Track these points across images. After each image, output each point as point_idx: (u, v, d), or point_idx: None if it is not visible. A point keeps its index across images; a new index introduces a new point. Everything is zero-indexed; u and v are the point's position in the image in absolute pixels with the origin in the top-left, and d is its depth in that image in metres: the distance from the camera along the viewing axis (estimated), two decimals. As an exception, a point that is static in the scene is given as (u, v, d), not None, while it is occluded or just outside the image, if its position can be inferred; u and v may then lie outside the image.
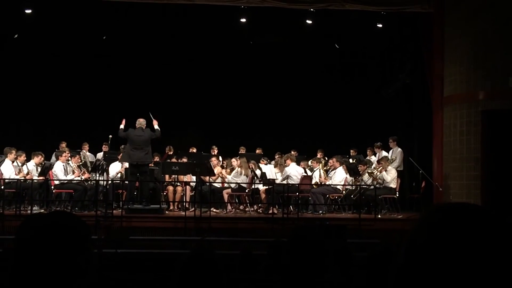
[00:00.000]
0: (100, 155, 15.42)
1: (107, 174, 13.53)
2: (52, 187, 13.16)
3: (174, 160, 14.79)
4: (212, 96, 17.93)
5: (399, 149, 14.61)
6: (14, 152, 13.16)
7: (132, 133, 12.77)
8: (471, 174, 13.36)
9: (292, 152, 15.41)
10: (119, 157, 13.92)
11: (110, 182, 13.21)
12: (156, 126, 12.98)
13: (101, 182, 13.11)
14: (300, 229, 3.18)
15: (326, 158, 15.27)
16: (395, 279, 1.14)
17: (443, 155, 14.22)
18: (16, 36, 16.36)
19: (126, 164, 13.45)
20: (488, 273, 1.07)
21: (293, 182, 13.55)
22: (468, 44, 13.64)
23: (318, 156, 15.58)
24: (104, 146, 15.53)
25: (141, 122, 12.97)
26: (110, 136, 14.61)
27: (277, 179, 13.90)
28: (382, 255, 3.81)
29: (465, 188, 13.45)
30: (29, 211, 12.10)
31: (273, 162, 15.14)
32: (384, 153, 14.76)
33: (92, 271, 1.82)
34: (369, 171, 13.87)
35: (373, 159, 15.02)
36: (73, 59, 17.13)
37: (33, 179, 12.92)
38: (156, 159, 14.37)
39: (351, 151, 16.12)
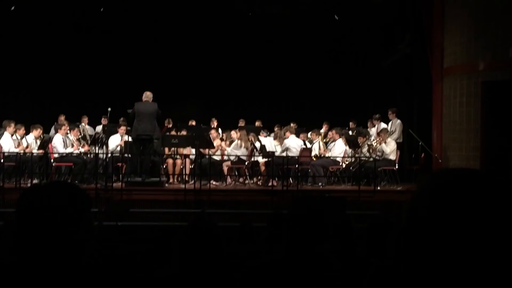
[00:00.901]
0: (99, 128, 15.42)
1: (107, 147, 13.54)
2: (52, 160, 13.17)
3: (173, 133, 14.80)
4: (211, 68, 17.88)
5: (399, 120, 14.60)
6: (13, 125, 13.14)
7: (139, 106, 12.73)
8: (471, 145, 13.37)
9: (292, 124, 15.40)
10: (119, 130, 13.91)
11: (109, 155, 13.21)
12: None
13: (101, 155, 13.13)
14: (299, 200, 3.19)
15: (327, 130, 15.31)
16: (397, 243, 1.15)
17: (443, 126, 14.21)
18: (13, 8, 16.22)
19: (126, 137, 13.45)
20: (488, 235, 1.07)
21: (293, 155, 13.57)
22: (469, 14, 13.53)
23: (324, 128, 15.59)
24: (103, 119, 15.52)
25: (147, 95, 12.91)
26: (109, 109, 14.57)
27: (276, 151, 13.92)
28: (381, 225, 3.83)
29: (465, 160, 13.47)
30: (29, 185, 12.12)
31: (272, 134, 15.15)
32: (383, 125, 14.76)
33: (93, 242, 1.83)
34: (369, 143, 13.89)
35: (373, 131, 15.03)
36: (72, 31, 17.07)
37: (32, 153, 12.93)
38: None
39: (351, 123, 16.13)
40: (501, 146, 13.01)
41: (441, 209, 1.10)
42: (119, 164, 13.39)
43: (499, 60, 13.01)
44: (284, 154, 13.63)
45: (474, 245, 1.07)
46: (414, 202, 1.16)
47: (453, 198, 1.11)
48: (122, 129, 13.87)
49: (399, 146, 14.15)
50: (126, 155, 13.26)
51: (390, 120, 14.72)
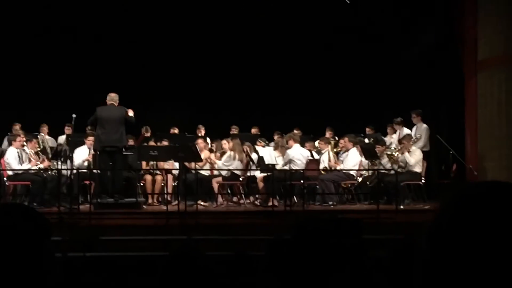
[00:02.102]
0: (62, 138, 15.40)
1: (71, 162, 13.51)
2: (5, 178, 13.15)
3: (152, 143, 14.79)
4: (196, 65, 17.91)
5: (424, 125, 14.63)
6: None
7: (101, 111, 12.71)
8: (513, 153, 13.41)
9: (295, 131, 15.40)
10: (86, 141, 13.90)
11: (75, 171, 13.18)
12: (131, 114, 12.90)
13: (64, 172, 13.10)
14: (304, 223, 3.20)
15: (337, 138, 15.31)
16: (418, 275, 1.16)
17: (478, 131, 14.23)
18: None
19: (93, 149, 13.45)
20: None
21: (297, 168, 13.57)
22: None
23: (327, 135, 15.60)
24: (66, 128, 15.50)
25: (112, 97, 12.91)
26: (74, 115, 14.56)
27: (277, 164, 13.92)
28: (405, 253, 3.83)
29: (505, 171, 13.47)
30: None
31: (272, 143, 15.16)
32: (406, 131, 14.79)
33: (55, 278, 1.83)
34: (389, 152, 13.90)
35: (394, 138, 15.04)
36: (28, 28, 17.11)
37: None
38: (131, 142, 14.34)
39: (367, 129, 16.14)
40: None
41: (473, 230, 1.11)
42: (87, 182, 13.37)
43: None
44: (286, 167, 13.62)
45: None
46: (437, 223, 1.16)
47: (488, 217, 1.12)
48: (90, 140, 13.84)
49: (426, 155, 14.16)
50: (95, 171, 13.24)
51: (415, 125, 14.75)
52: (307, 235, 2.97)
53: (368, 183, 14.01)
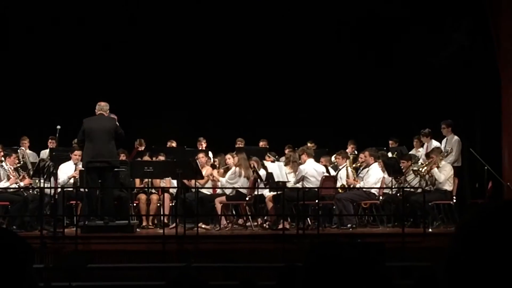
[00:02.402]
0: (45, 153, 15.42)
1: (55, 179, 13.53)
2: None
3: (147, 158, 14.80)
4: (198, 69, 17.96)
5: (456, 137, 14.60)
6: None
7: (89, 123, 12.72)
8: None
9: (309, 145, 15.40)
10: (72, 155, 13.93)
11: (59, 190, 13.20)
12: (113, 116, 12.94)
13: (47, 191, 13.11)
14: (319, 248, 3.18)
15: (356, 152, 15.29)
16: None
17: (517, 144, 14.22)
18: None
19: (81, 165, 13.45)
20: None
21: (311, 186, 13.56)
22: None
23: (348, 149, 15.59)
24: (50, 141, 15.52)
25: (102, 106, 12.90)
26: (59, 127, 14.60)
27: (288, 181, 13.91)
28: (433, 283, 3.83)
29: (547, 189, 13.46)
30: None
31: (282, 158, 15.15)
32: (434, 143, 14.76)
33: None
34: (415, 168, 13.87)
35: (421, 152, 15.02)
36: (8, 34, 17.25)
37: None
38: (122, 157, 14.36)
39: (390, 142, 16.13)
40: None
41: (490, 256, 1.13)
42: (73, 202, 13.37)
43: None
44: (299, 185, 13.61)
45: None
46: (453, 250, 1.19)
47: (507, 241, 1.13)
48: (77, 154, 13.87)
49: (458, 171, 14.14)
50: (82, 190, 13.25)
51: (445, 137, 14.72)
52: (322, 262, 2.96)
53: (391, 203, 13.96)
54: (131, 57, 17.73)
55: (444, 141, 14.71)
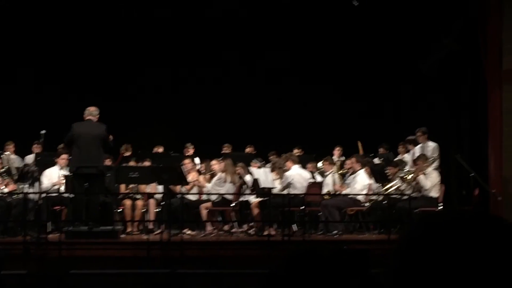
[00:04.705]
0: (30, 158, 15.36)
1: (40, 184, 13.48)
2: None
3: (132, 163, 14.77)
4: (183, 74, 17.93)
5: (432, 143, 14.64)
6: None
7: (78, 127, 12.65)
8: (542, 177, 13.41)
9: (295, 151, 15.40)
10: (58, 160, 13.87)
11: (44, 195, 13.14)
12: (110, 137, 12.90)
13: (32, 196, 13.06)
14: (301, 255, 3.15)
15: (344, 158, 15.31)
16: None
17: (503, 151, 14.22)
18: None
19: (67, 171, 13.40)
20: None
21: (297, 192, 13.55)
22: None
23: (335, 155, 15.60)
24: (35, 146, 15.47)
25: (91, 111, 12.85)
26: (43, 131, 14.55)
27: (274, 188, 13.89)
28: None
29: (534, 196, 13.49)
30: None
31: (268, 164, 15.14)
32: (418, 150, 14.78)
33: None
34: (402, 175, 13.89)
35: (407, 158, 15.03)
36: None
37: None
38: (108, 163, 14.32)
39: (381, 148, 16.14)
40: None
41: (439, 262, 1.16)
42: (57, 208, 13.33)
43: None
44: (285, 191, 13.60)
45: None
46: (395, 258, 1.22)
47: (444, 254, 1.18)
48: (63, 159, 13.83)
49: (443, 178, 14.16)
50: (67, 195, 13.19)
51: (420, 144, 14.75)
52: (303, 269, 2.92)
53: (378, 209, 13.97)
54: (118, 60, 17.71)
55: (418, 148, 14.72)
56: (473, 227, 1.20)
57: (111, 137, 12.92)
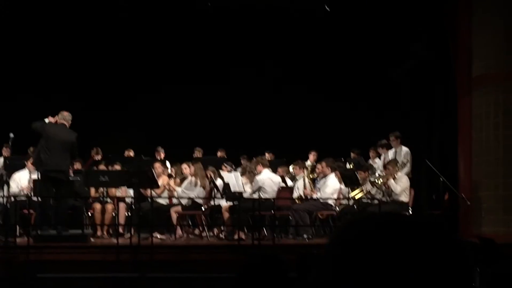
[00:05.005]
0: (-2, 162, 15.27)
1: (8, 188, 13.39)
2: None
3: (102, 167, 14.71)
4: (156, 80, 17.88)
5: (405, 148, 14.69)
6: None
7: (50, 128, 12.55)
8: (510, 181, 13.50)
9: (267, 155, 15.41)
10: (28, 163, 13.79)
11: (12, 199, 13.05)
12: None
13: (0, 199, 12.96)
14: (255, 260, 3.16)
15: (315, 163, 15.35)
16: None
17: (472, 156, 14.33)
18: None
19: (36, 174, 13.34)
20: None
21: (268, 196, 13.56)
22: (504, 5, 13.76)
23: (310, 159, 15.62)
24: (4, 149, 15.36)
25: (65, 116, 12.71)
26: (12, 135, 14.44)
27: (245, 192, 13.90)
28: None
29: (502, 201, 13.59)
30: None
31: (239, 168, 15.14)
32: (391, 155, 14.84)
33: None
34: (372, 179, 13.94)
35: (377, 163, 15.09)
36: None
37: None
38: (78, 166, 14.26)
39: (352, 153, 16.21)
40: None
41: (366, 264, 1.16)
42: (26, 211, 13.23)
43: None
44: (255, 195, 13.60)
45: None
46: (318, 270, 1.22)
47: (368, 258, 1.18)
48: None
49: (411, 183, 14.20)
50: (36, 199, 13.12)
51: (393, 149, 14.80)
52: (256, 275, 2.93)
53: (348, 214, 14.00)
54: (89, 63, 17.65)
55: (392, 152, 14.79)
56: (402, 232, 1.21)
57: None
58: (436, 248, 1.19)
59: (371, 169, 14.63)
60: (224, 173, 14.24)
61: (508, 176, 13.52)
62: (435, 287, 1.16)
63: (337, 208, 14.11)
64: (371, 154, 15.60)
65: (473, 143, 14.33)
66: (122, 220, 13.82)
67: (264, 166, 14.01)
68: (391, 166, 13.80)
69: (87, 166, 14.97)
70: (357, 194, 13.97)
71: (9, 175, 13.62)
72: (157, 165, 14.41)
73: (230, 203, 13.76)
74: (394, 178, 13.61)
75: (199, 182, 13.80)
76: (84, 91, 17.48)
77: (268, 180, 13.81)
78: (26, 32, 17.24)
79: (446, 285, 1.17)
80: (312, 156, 15.96)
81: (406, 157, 14.52)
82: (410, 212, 13.78)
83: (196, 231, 14.27)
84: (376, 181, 13.83)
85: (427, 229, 1.22)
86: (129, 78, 17.89)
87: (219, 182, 13.84)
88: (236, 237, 13.00)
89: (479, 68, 14.25)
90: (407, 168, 14.36)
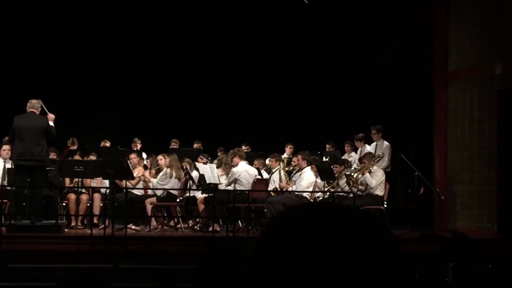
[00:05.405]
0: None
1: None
2: None
3: (77, 157, 14.62)
4: (134, 71, 17.79)
5: (386, 142, 14.67)
6: None
7: (19, 121, 12.50)
8: (485, 177, 13.55)
9: (243, 147, 15.39)
10: (1, 152, 13.72)
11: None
12: (51, 123, 12.71)
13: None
14: (217, 250, 3.15)
15: (292, 156, 15.34)
16: None
17: (448, 151, 14.39)
18: None
19: (9, 164, 13.26)
20: None
21: (243, 188, 13.54)
22: (484, 1, 13.79)
23: (287, 152, 15.61)
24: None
25: (33, 104, 12.68)
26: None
27: (220, 183, 13.87)
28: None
29: (477, 196, 13.63)
30: None
31: (215, 160, 15.12)
32: (368, 148, 14.84)
33: None
34: (347, 172, 13.93)
35: (353, 156, 15.11)
36: None
37: None
38: (53, 156, 14.18)
39: (327, 145, 16.21)
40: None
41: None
42: (-1, 201, 13.17)
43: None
44: (231, 187, 13.58)
45: None
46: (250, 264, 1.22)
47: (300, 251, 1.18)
48: (5, 150, 13.68)
49: (388, 177, 14.23)
50: (9, 188, 13.04)
51: (374, 142, 14.80)
52: (216, 266, 2.92)
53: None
54: (67, 51, 17.53)
55: (373, 146, 14.79)
56: (334, 225, 1.19)
57: (52, 117, 12.69)
58: (368, 243, 1.18)
59: (346, 163, 14.60)
60: (199, 165, 14.18)
61: (483, 171, 13.57)
62: (366, 282, 1.15)
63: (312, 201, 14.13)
64: (346, 147, 15.59)
65: (448, 137, 14.38)
66: (96, 210, 13.75)
67: (241, 158, 13.97)
68: (366, 160, 13.80)
69: (63, 156, 14.89)
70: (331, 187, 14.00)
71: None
72: (133, 156, 14.35)
73: (205, 195, 13.73)
74: (370, 172, 13.63)
75: (174, 174, 13.76)
76: (62, 79, 17.34)
77: (244, 172, 13.78)
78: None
79: (378, 281, 1.16)
80: (288, 149, 15.97)
81: (385, 151, 14.50)
82: (385, 206, 13.84)
83: (171, 223, 14.23)
84: (352, 175, 13.82)
85: (360, 222, 1.21)
86: (107, 68, 17.77)
87: (194, 174, 13.82)
88: (210, 229, 13.00)
89: (456, 62, 14.30)
90: (385, 162, 14.34)
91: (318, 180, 14.11)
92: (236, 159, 13.97)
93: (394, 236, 1.23)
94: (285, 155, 15.55)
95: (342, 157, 15.29)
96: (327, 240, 1.16)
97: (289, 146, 16.06)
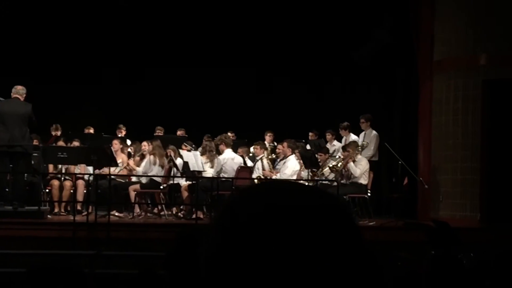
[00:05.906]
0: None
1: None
2: None
3: (61, 143, 14.56)
4: (118, 58, 17.72)
5: (374, 132, 14.68)
6: None
7: (3, 106, 12.46)
8: (468, 166, 13.59)
9: (229, 134, 15.37)
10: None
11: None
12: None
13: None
14: (188, 235, 3.15)
15: (275, 144, 15.31)
16: None
17: (432, 141, 14.42)
18: None
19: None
20: None
21: (227, 176, 13.54)
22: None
23: (267, 139, 15.59)
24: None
25: (18, 90, 12.65)
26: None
27: (205, 171, 13.85)
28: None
29: (460, 186, 13.68)
30: None
31: (200, 148, 15.11)
32: (353, 137, 14.85)
33: None
34: (332, 164, 13.87)
35: (336, 145, 15.10)
36: None
37: None
38: (36, 142, 14.14)
39: (310, 134, 16.20)
40: (509, 167, 13.28)
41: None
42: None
43: (506, 52, 13.31)
44: (214, 174, 13.58)
45: None
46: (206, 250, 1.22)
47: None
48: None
49: (374, 166, 14.24)
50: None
51: (363, 131, 14.81)
52: (186, 251, 2.93)
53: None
54: (49, 40, 17.43)
55: (362, 135, 14.79)
56: (295, 209, 1.18)
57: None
58: (329, 230, 1.15)
59: (328, 152, 14.58)
60: (183, 152, 14.16)
61: (466, 161, 13.62)
62: (326, 269, 1.14)
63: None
64: (328, 136, 15.54)
65: (433, 127, 14.41)
66: (80, 197, 13.72)
67: (227, 145, 13.91)
68: (351, 148, 13.78)
69: (49, 143, 14.85)
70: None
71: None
72: (115, 142, 14.29)
73: (189, 182, 13.72)
74: (354, 161, 13.63)
75: (158, 161, 13.74)
76: (45, 68, 17.25)
77: (230, 160, 13.75)
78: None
79: (337, 269, 1.15)
80: (268, 137, 15.90)
81: (373, 140, 14.51)
82: (369, 195, 13.87)
83: (155, 210, 14.22)
84: (336, 165, 13.81)
85: (321, 209, 1.18)
86: (93, 55, 17.67)
87: (179, 161, 13.80)
88: (194, 216, 13.00)
89: (441, 52, 14.33)
90: (370, 151, 14.35)
91: (302, 168, 14.09)
92: (222, 146, 13.93)
93: (356, 223, 1.21)
94: (267, 142, 15.55)
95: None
96: (283, 225, 1.14)
97: (268, 134, 16.00)
